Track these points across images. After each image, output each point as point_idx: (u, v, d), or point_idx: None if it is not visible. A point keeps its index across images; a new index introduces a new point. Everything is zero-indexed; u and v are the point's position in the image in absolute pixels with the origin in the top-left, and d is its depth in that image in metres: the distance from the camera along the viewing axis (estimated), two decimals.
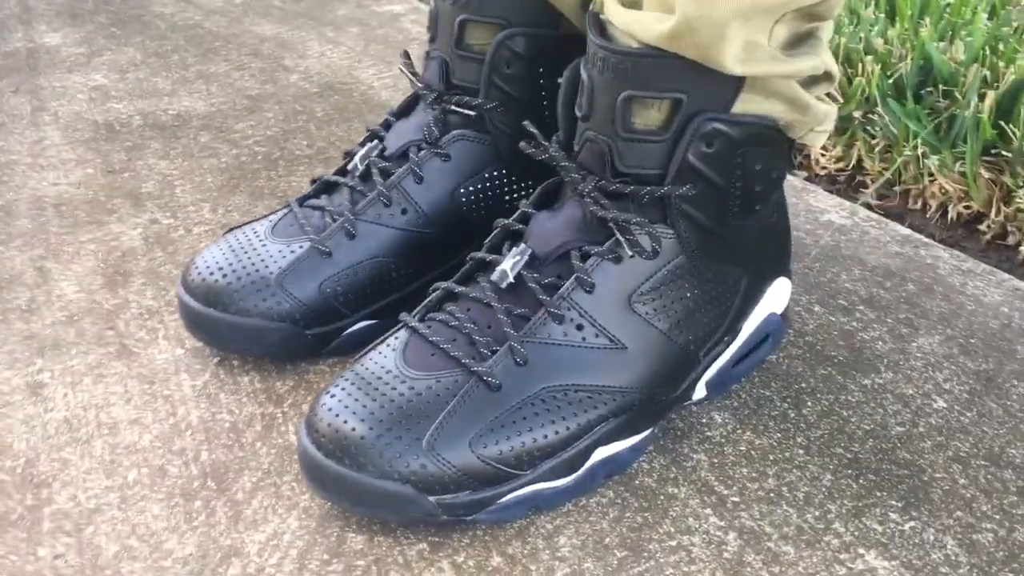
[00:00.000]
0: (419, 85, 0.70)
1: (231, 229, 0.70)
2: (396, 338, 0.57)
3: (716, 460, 0.59)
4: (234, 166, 0.94)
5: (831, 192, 0.92)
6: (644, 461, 0.59)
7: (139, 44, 1.26)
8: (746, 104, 0.55)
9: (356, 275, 0.66)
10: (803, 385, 0.65)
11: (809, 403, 0.64)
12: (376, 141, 0.70)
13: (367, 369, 0.55)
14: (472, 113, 0.67)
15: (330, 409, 0.54)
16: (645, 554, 0.53)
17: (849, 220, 0.85)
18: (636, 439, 0.58)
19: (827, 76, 0.56)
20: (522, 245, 0.57)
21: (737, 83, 0.53)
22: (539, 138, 0.58)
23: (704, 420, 0.63)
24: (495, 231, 0.60)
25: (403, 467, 0.52)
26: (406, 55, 0.73)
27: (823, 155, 0.96)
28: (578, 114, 0.57)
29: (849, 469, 0.59)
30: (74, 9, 1.39)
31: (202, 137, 1.01)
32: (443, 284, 0.59)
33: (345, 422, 0.53)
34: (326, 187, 0.70)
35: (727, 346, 0.62)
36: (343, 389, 0.54)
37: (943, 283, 0.76)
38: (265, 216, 0.70)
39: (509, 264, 0.57)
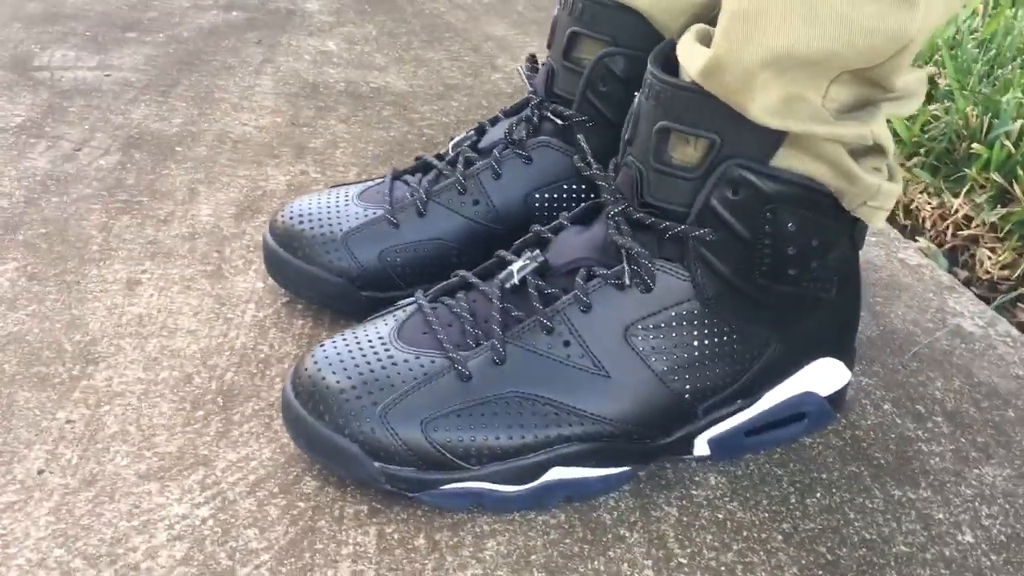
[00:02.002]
0: (529, 89, 0.71)
1: (336, 185, 0.76)
2: (404, 311, 0.59)
3: (686, 519, 0.57)
4: (398, 141, 1.01)
5: (983, 299, 0.83)
6: (613, 497, 0.58)
7: (380, 23, 1.37)
8: (787, 160, 0.52)
9: (416, 251, 0.69)
10: (823, 476, 0.61)
11: (819, 494, 0.59)
12: (474, 133, 0.72)
13: (365, 332, 0.58)
14: (562, 123, 0.68)
15: (317, 358, 0.57)
16: None
17: (981, 331, 0.77)
18: (607, 471, 0.57)
19: (878, 149, 0.52)
20: (536, 251, 0.58)
21: (777, 136, 0.51)
22: (587, 154, 0.58)
23: (697, 478, 0.60)
24: (528, 235, 0.61)
25: (355, 426, 0.54)
26: (531, 59, 0.75)
27: (989, 258, 0.88)
28: (624, 137, 0.57)
29: (821, 571, 0.54)
30: None
31: (385, 111, 1.08)
32: (463, 272, 0.60)
33: (320, 371, 0.56)
34: (424, 166, 0.74)
35: (740, 410, 0.59)
36: (335, 344, 0.57)
37: None
38: (368, 180, 0.75)
39: (518, 266, 0.57)
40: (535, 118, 0.69)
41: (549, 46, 0.70)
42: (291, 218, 0.71)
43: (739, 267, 0.54)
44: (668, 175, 0.53)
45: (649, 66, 0.54)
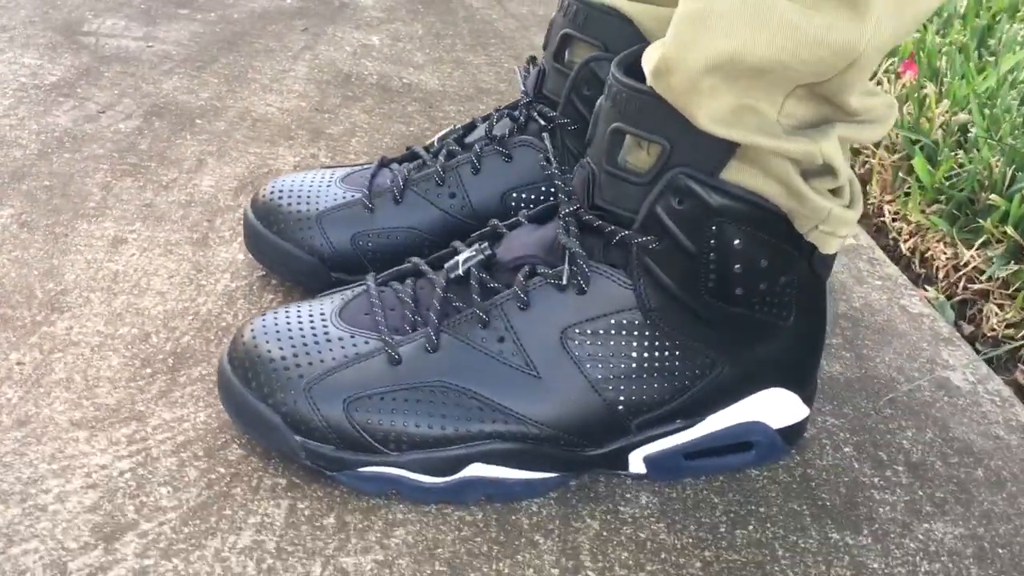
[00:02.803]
0: (521, 89, 0.71)
1: (326, 167, 0.76)
2: (352, 291, 0.59)
3: (605, 534, 0.55)
4: (415, 136, 1.01)
5: (982, 354, 0.80)
6: (537, 502, 0.57)
7: (429, 24, 1.38)
8: (737, 174, 0.50)
9: (388, 238, 0.69)
10: (761, 509, 0.59)
11: (751, 527, 0.57)
12: (462, 127, 0.72)
13: (309, 307, 0.58)
14: (546, 124, 0.67)
15: (255, 327, 0.57)
16: None
17: (970, 386, 0.74)
18: (530, 475, 0.55)
19: (828, 170, 0.50)
20: (484, 244, 0.57)
21: (727, 147, 0.49)
22: (549, 154, 0.58)
23: (628, 495, 0.58)
24: (485, 228, 0.60)
25: (280, 396, 0.54)
26: (531, 60, 0.74)
27: (996, 314, 0.84)
28: (586, 139, 0.56)
29: None
30: None
31: (411, 107, 1.08)
32: (416, 259, 0.60)
33: (255, 340, 0.56)
34: (411, 156, 0.74)
35: (679, 430, 0.57)
36: (276, 315, 0.57)
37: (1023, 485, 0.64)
38: (357, 165, 0.75)
39: (463, 257, 0.57)
40: (521, 117, 0.69)
41: (544, 48, 0.70)
42: (272, 193, 0.71)
43: (684, 280, 0.53)
44: (618, 178, 0.52)
45: (612, 67, 0.53)
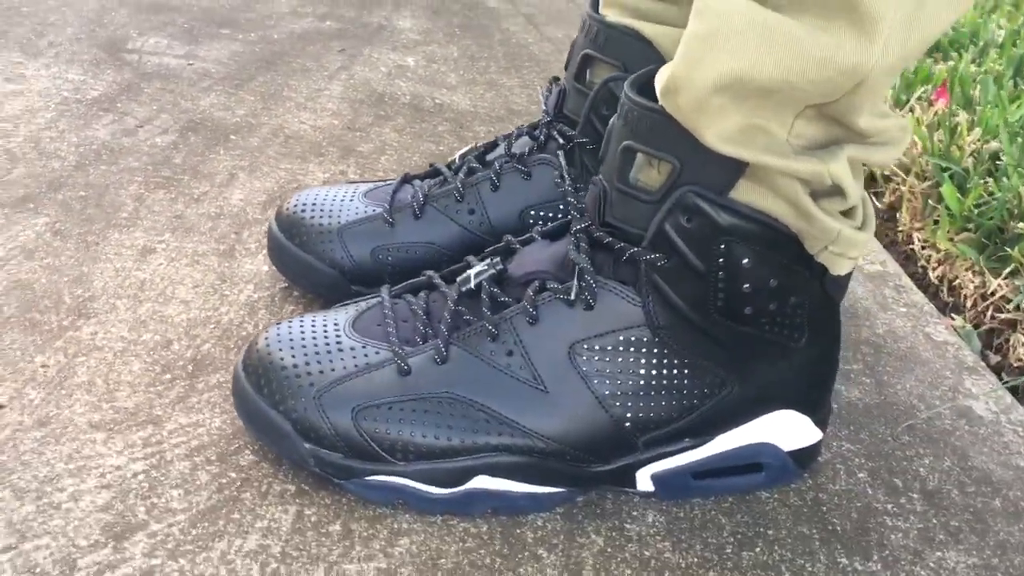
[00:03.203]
0: (543, 108, 0.72)
1: (351, 182, 0.77)
2: (367, 303, 0.60)
3: (610, 551, 0.55)
4: (444, 155, 1.02)
5: (1006, 382, 0.79)
6: (543, 517, 0.57)
7: (464, 46, 1.40)
8: (746, 194, 0.51)
9: (408, 252, 0.70)
10: (769, 532, 0.58)
11: (758, 549, 0.57)
12: (483, 145, 0.73)
13: (324, 317, 0.59)
14: (565, 143, 0.68)
15: (270, 335, 0.58)
16: None
17: (992, 416, 0.73)
18: (535, 489, 0.56)
19: (838, 191, 0.50)
20: (497, 259, 0.58)
21: (736, 167, 0.50)
22: (564, 171, 0.58)
23: (635, 513, 0.58)
24: (500, 243, 0.61)
25: (290, 403, 0.55)
26: (554, 80, 0.75)
27: (1023, 343, 0.83)
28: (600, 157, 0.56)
29: None
30: (440, 6, 1.56)
31: (441, 127, 1.10)
32: (430, 272, 0.61)
33: (269, 347, 0.57)
34: (433, 172, 0.75)
35: (688, 449, 0.57)
36: (291, 324, 0.58)
37: None
38: (381, 181, 0.76)
39: (475, 271, 0.57)
40: (541, 136, 0.70)
41: (566, 68, 0.71)
42: (296, 206, 0.72)
43: (692, 299, 0.53)
44: (629, 196, 0.53)
45: (624, 86, 0.53)
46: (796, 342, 0.56)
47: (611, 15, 0.66)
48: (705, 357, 0.55)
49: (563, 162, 0.60)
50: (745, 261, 0.51)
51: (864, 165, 0.54)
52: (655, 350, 0.54)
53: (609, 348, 0.54)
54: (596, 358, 0.54)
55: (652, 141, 0.51)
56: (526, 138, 0.70)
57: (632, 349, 0.54)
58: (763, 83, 0.46)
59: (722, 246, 0.51)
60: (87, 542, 0.51)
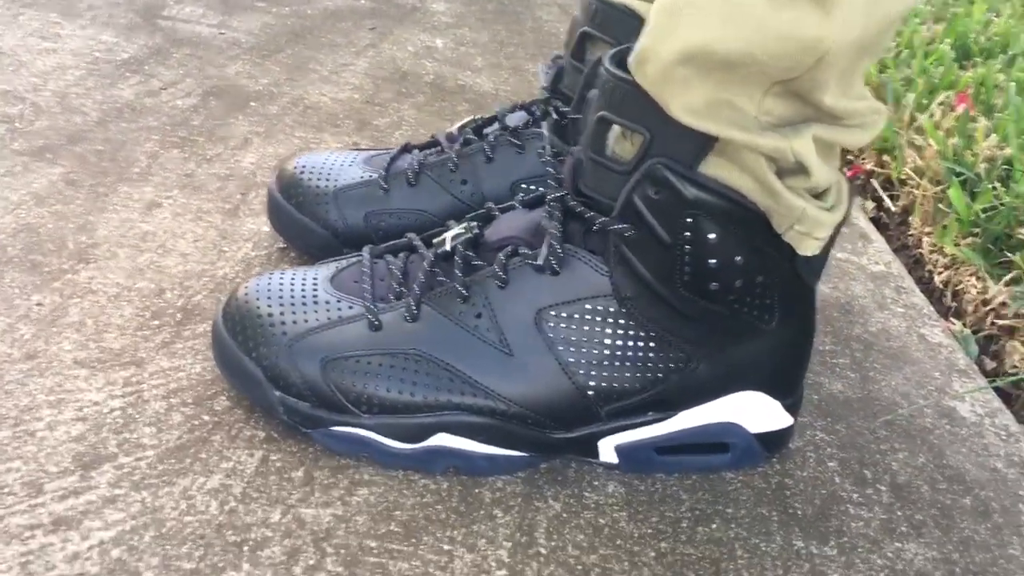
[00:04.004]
0: (542, 85, 0.73)
1: (356, 147, 0.79)
2: (347, 261, 0.62)
3: (565, 516, 0.56)
4: None
5: (991, 381, 0.78)
6: (504, 479, 0.58)
7: (495, 31, 1.41)
8: (714, 168, 0.51)
9: (400, 219, 0.71)
10: (728, 511, 0.59)
11: (714, 526, 0.57)
12: (483, 118, 0.74)
13: (304, 272, 0.61)
14: (559, 119, 0.69)
15: (250, 285, 0.59)
16: (414, 542, 0.52)
17: (976, 418, 0.72)
18: (497, 451, 0.57)
19: (801, 169, 0.50)
20: (474, 223, 0.59)
21: (704, 140, 0.50)
22: (547, 143, 0.59)
23: (596, 483, 0.59)
24: (480, 211, 0.62)
25: (263, 351, 0.56)
26: (556, 58, 0.76)
27: (1018, 351, 0.82)
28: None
29: None
30: None
31: (461, 107, 1.11)
32: (411, 234, 0.62)
33: (247, 296, 0.58)
34: (433, 143, 0.76)
35: (652, 423, 0.58)
36: (272, 276, 0.60)
37: (1012, 518, 0.62)
38: (383, 149, 0.78)
39: (451, 234, 0.58)
40: (537, 112, 0.70)
41: (565, 45, 0.71)
42: (296, 167, 0.74)
43: (658, 271, 0.53)
44: (601, 166, 0.54)
45: (604, 59, 0.54)
46: (767, 324, 0.57)
47: None
48: (671, 332, 0.55)
49: (548, 134, 0.60)
50: (711, 236, 0.52)
51: (841, 147, 0.54)
52: (621, 320, 0.55)
53: (576, 316, 0.55)
54: (562, 325, 0.55)
55: (625, 112, 0.52)
56: (522, 112, 0.71)
57: (598, 318, 0.55)
58: (726, 56, 0.46)
59: (688, 219, 0.52)
60: (56, 468, 0.53)
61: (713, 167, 0.51)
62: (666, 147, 0.51)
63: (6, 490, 0.51)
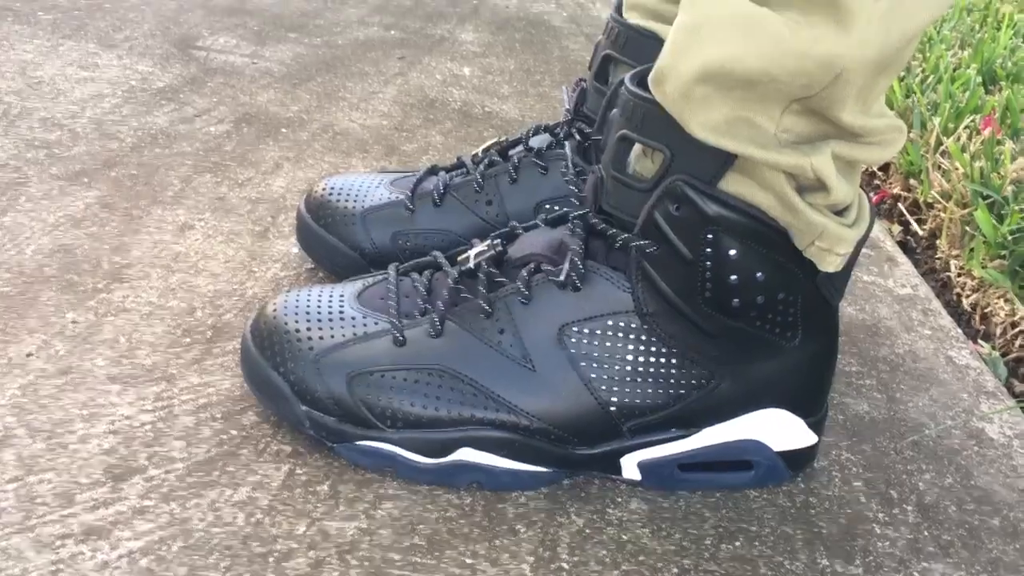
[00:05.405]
0: (565, 107, 0.74)
1: (383, 170, 0.80)
2: (374, 278, 0.63)
3: (588, 532, 0.56)
4: None
5: (1020, 400, 0.77)
6: (527, 495, 0.58)
7: (522, 60, 1.43)
8: (735, 185, 0.52)
9: (427, 239, 0.72)
10: (752, 529, 0.58)
11: (737, 544, 0.57)
12: (508, 139, 0.75)
13: (332, 289, 0.62)
14: (582, 141, 0.70)
15: (278, 302, 0.61)
16: (437, 556, 0.53)
17: (1005, 439, 0.72)
18: (520, 466, 0.57)
19: (821, 186, 0.51)
20: (498, 241, 0.60)
21: (725, 158, 0.51)
22: (570, 162, 0.60)
23: (619, 499, 0.59)
24: (504, 229, 0.63)
25: (290, 366, 0.57)
26: (579, 81, 0.77)
27: None
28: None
29: None
30: (505, 23, 1.60)
31: (487, 133, 1.13)
32: (437, 252, 0.63)
33: (275, 312, 0.59)
34: (458, 164, 0.77)
35: (674, 440, 0.58)
36: (300, 293, 0.61)
37: None
38: (410, 171, 0.79)
39: (475, 251, 0.59)
40: (561, 133, 0.71)
41: (590, 68, 0.72)
42: (325, 189, 0.76)
43: (680, 287, 0.54)
44: (623, 184, 0.54)
45: (625, 79, 0.55)
46: (789, 341, 0.57)
47: (633, 17, 0.68)
48: (693, 348, 0.56)
49: (570, 154, 0.61)
50: (732, 252, 0.52)
51: (863, 165, 0.55)
52: (643, 337, 0.55)
53: (598, 332, 0.56)
54: (585, 341, 0.56)
55: (646, 130, 0.52)
56: (546, 135, 0.72)
57: (620, 335, 0.55)
58: (744, 74, 0.47)
59: (709, 236, 0.52)
60: (88, 480, 0.54)
61: (733, 184, 0.51)
62: (686, 165, 0.52)
63: (39, 500, 0.52)
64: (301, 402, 0.57)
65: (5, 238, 0.75)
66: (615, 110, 0.55)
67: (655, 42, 0.66)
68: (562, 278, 0.55)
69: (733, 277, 0.53)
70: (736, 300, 0.54)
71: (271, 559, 0.51)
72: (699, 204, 0.51)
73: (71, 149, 0.92)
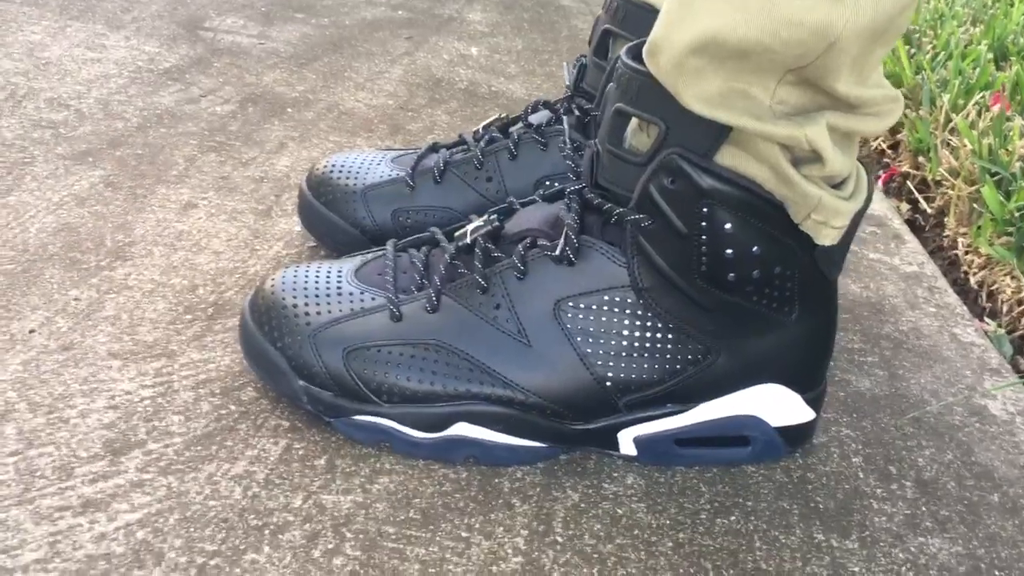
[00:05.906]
0: (566, 83, 0.73)
1: (387, 148, 0.80)
2: (373, 254, 0.63)
3: (583, 506, 0.56)
4: None
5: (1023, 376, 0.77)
6: (523, 470, 0.58)
7: (530, 39, 1.42)
8: (730, 158, 0.51)
9: (426, 216, 0.72)
10: (748, 504, 0.58)
11: (733, 518, 0.57)
12: (508, 116, 0.75)
13: (330, 265, 0.62)
14: (582, 116, 0.70)
15: (277, 278, 0.61)
16: (432, 529, 0.53)
17: (1007, 416, 0.71)
18: (516, 441, 0.57)
19: (817, 157, 0.50)
20: (495, 217, 0.60)
21: (720, 130, 0.50)
22: (567, 137, 0.60)
23: (616, 474, 0.59)
24: (503, 205, 0.63)
25: (287, 341, 0.57)
26: (581, 57, 0.77)
27: None
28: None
29: None
30: (513, 2, 1.59)
31: (492, 112, 1.12)
32: (434, 229, 0.63)
33: (273, 288, 0.60)
34: (459, 142, 0.77)
35: (671, 415, 0.58)
36: (297, 269, 0.61)
37: None
38: (412, 148, 0.79)
39: (472, 227, 0.59)
40: (560, 109, 0.71)
41: (589, 43, 0.72)
42: (326, 166, 0.76)
43: (676, 261, 0.54)
44: (619, 158, 0.54)
45: (621, 52, 0.55)
46: (786, 316, 0.57)
47: None
48: (689, 323, 0.56)
49: (568, 129, 0.61)
50: (728, 225, 0.52)
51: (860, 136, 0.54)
52: (639, 312, 0.55)
53: (593, 307, 0.55)
54: (580, 316, 0.56)
55: (641, 104, 0.52)
56: (546, 111, 0.72)
57: (616, 309, 0.55)
58: (738, 44, 0.47)
59: (704, 209, 0.52)
60: (87, 454, 0.54)
61: (728, 157, 0.51)
62: (682, 138, 0.52)
63: (38, 473, 0.52)
64: (298, 377, 0.57)
65: (10, 217, 0.76)
66: (613, 83, 0.55)
67: (654, 16, 0.65)
68: (557, 253, 0.55)
69: (729, 251, 0.53)
70: (732, 274, 0.54)
71: (267, 531, 0.51)
72: (694, 177, 0.51)
73: (77, 129, 0.92)
